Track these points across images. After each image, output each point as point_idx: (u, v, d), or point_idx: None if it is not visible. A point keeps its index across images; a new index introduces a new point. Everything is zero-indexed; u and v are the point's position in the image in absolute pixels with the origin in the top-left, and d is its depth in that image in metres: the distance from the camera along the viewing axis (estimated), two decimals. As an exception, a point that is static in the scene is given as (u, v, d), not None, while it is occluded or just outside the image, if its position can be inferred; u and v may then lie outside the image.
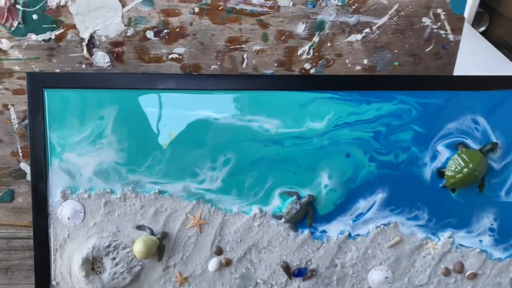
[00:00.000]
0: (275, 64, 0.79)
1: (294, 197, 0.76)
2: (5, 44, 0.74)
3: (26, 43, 0.74)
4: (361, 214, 0.79)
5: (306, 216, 0.76)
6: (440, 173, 0.81)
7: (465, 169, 0.78)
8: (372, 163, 0.77)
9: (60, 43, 0.74)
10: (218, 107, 0.74)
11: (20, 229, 0.81)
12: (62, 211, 0.74)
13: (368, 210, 0.79)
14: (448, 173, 0.80)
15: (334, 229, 0.78)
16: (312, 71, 0.80)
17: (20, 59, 0.74)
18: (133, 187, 0.75)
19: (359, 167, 0.77)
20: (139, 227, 0.76)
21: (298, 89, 0.75)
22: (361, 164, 0.77)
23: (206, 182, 0.75)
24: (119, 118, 0.73)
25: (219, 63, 0.78)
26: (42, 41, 0.74)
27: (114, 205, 0.75)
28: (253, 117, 0.75)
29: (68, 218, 0.74)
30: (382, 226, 0.79)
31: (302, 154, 0.76)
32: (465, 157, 0.79)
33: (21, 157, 0.79)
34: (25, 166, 0.79)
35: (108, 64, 0.76)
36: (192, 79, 0.74)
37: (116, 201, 0.75)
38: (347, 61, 0.80)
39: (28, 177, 0.78)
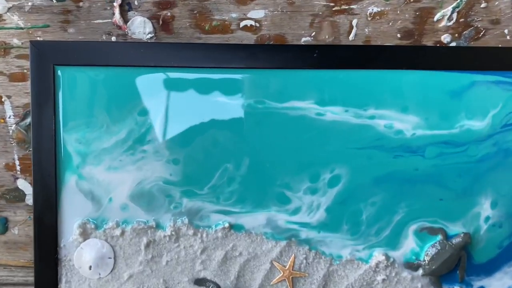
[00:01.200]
0: (398, 35, 0.60)
1: (440, 236, 0.57)
2: (0, 4, 0.60)
3: (30, 4, 0.59)
4: None
5: (457, 266, 0.58)
6: None
7: None
8: None
9: (81, 4, 0.60)
10: (323, 95, 0.56)
11: (15, 272, 0.65)
12: (81, 256, 0.58)
13: None
14: None
15: (498, 285, 0.59)
16: (452, 45, 0.60)
17: (21, 28, 0.60)
18: (191, 219, 0.58)
19: None
20: (200, 282, 0.59)
21: (448, 67, 0.56)
22: None
23: (302, 212, 0.57)
24: (171, 113, 0.56)
25: (313, 33, 0.60)
26: (55, 1, 0.59)
27: (160, 247, 0.58)
28: (378, 111, 0.56)
29: (90, 268, 0.58)
30: None
31: (452, 169, 0.57)
32: None
33: (18, 172, 0.63)
34: (24, 184, 0.63)
35: (150, 35, 0.60)
36: (285, 51, 0.56)
37: (164, 240, 0.58)
38: (506, 31, 0.61)
39: (28, 200, 0.63)
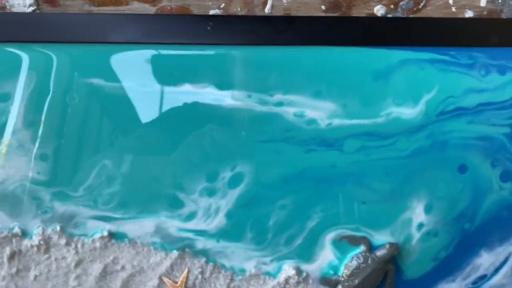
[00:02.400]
0: (323, 7, 0.52)
1: (362, 247, 0.48)
2: None
3: None
4: (484, 278, 0.50)
5: (383, 283, 0.49)
6: None
7: None
8: (507, 183, 0.49)
9: None
10: (221, 77, 0.48)
11: None
12: None
13: (497, 271, 0.50)
14: None
15: (434, 306, 0.51)
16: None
17: None
18: (64, 227, 0.49)
19: (483, 192, 0.49)
20: (74, 301, 0.51)
21: (371, 43, 0.48)
22: (487, 185, 0.49)
23: (197, 217, 0.49)
24: (38, 97, 0.48)
25: (223, 5, 0.53)
26: None
27: (27, 258, 0.50)
28: (286, 96, 0.48)
29: None
30: (522, 300, 0.51)
31: (377, 166, 0.48)
32: None
33: None
34: None
35: (31, 8, 0.52)
36: (171, 23, 0.48)
37: (31, 251, 0.50)
38: (450, 1, 0.52)
39: None
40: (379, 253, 0.47)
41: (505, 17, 0.52)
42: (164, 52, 0.47)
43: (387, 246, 0.47)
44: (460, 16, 0.52)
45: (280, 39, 0.46)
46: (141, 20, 0.47)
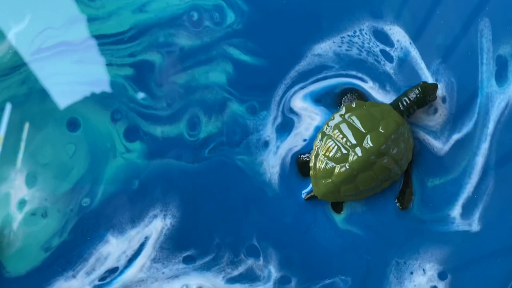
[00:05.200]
0: None
1: None
2: None
3: None
4: (115, 272, 0.36)
5: None
6: (300, 163, 0.36)
7: (359, 153, 0.33)
8: (135, 142, 0.36)
9: None
10: None
11: None
12: None
13: (131, 262, 0.36)
14: (318, 164, 0.35)
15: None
16: None
17: None
18: None
19: (104, 155, 0.36)
20: None
21: None
22: (107, 146, 0.36)
23: None
24: None
25: None
26: None
27: None
28: None
29: None
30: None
31: None
32: (358, 123, 0.34)
33: None
34: None
35: None
36: None
37: None
38: None
39: None
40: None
41: None
42: None
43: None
44: None
45: None
46: None
